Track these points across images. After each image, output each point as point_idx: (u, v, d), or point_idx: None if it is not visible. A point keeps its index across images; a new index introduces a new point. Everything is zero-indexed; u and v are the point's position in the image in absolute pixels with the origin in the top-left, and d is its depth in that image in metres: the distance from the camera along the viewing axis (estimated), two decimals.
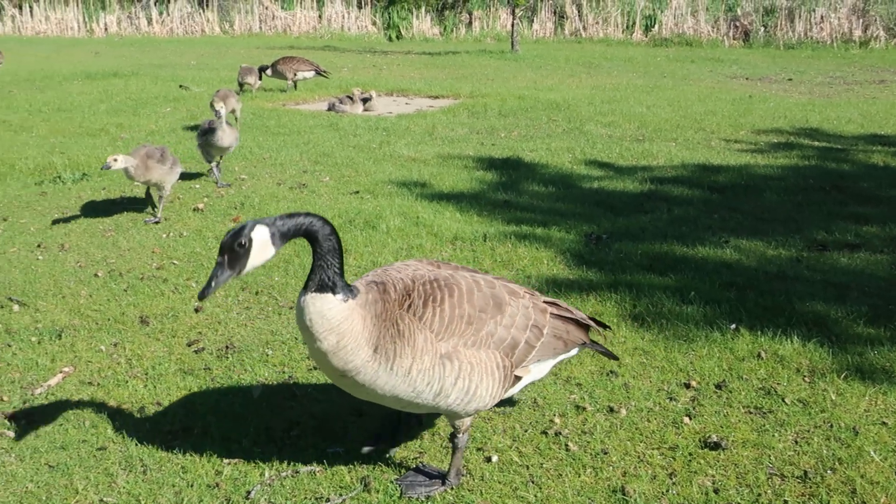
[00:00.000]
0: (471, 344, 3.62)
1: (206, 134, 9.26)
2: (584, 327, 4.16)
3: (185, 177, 9.96)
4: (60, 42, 36.55)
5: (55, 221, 8.19)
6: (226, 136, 9.16)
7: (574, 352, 4.16)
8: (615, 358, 4.55)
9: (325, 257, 3.38)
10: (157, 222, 8.15)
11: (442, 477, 3.92)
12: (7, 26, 42.28)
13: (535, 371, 3.98)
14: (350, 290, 3.46)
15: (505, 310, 3.74)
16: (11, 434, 4.35)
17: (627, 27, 33.30)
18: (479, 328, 3.64)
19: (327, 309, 3.37)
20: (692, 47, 29.79)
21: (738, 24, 30.92)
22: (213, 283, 3.29)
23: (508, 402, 4.66)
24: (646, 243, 7.27)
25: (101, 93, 17.56)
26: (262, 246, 3.31)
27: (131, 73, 21.32)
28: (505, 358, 3.72)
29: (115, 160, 7.54)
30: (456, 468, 3.91)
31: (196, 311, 5.94)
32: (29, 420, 4.50)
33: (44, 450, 4.21)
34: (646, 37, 32.39)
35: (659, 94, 16.98)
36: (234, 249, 3.28)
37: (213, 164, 9.55)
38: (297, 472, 4.06)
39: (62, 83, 19.60)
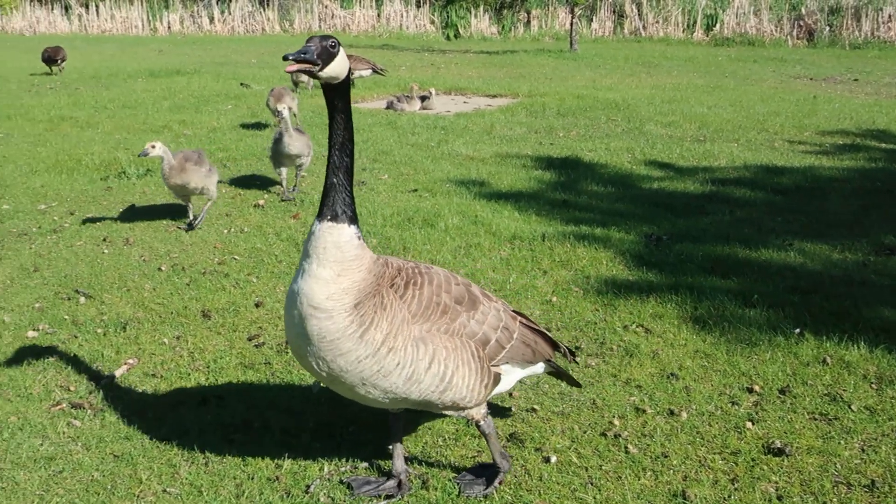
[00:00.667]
0: (444, 331, 3.56)
1: (275, 142, 8.70)
2: (553, 344, 4.11)
3: (246, 174, 10.09)
4: (125, 40, 37.28)
5: (120, 216, 8.35)
6: (294, 141, 8.57)
7: (540, 368, 4.10)
8: (578, 385, 4.45)
9: (338, 169, 3.40)
10: (189, 229, 7.81)
11: (493, 467, 3.91)
12: (74, 25, 43.25)
13: (507, 376, 3.90)
14: (360, 230, 3.46)
15: (478, 307, 3.73)
16: (78, 423, 4.44)
17: (688, 26, 32.91)
18: (454, 318, 3.60)
19: (344, 241, 3.37)
20: (754, 47, 29.33)
21: (802, 23, 30.36)
22: (300, 54, 3.20)
23: (561, 402, 4.63)
24: (707, 245, 7.18)
25: (165, 90, 17.86)
26: (343, 59, 3.29)
27: (194, 71, 21.65)
28: (479, 349, 3.67)
29: (154, 147, 7.49)
30: (498, 452, 3.90)
31: (256, 305, 6.01)
32: (95, 410, 4.59)
33: (109, 439, 4.29)
34: (707, 36, 31.97)
35: (720, 94, 16.74)
36: (325, 45, 3.24)
37: (284, 175, 8.91)
38: (355, 467, 4.08)
39: (127, 80, 19.97)
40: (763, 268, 6.61)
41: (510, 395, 4.72)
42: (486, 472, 3.95)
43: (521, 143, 11.93)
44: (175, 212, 8.42)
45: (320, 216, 3.40)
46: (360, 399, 3.60)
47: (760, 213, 8.24)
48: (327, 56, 3.23)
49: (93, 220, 8.19)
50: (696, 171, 10.05)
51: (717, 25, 32.09)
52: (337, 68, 3.28)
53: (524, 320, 4.01)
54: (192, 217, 7.96)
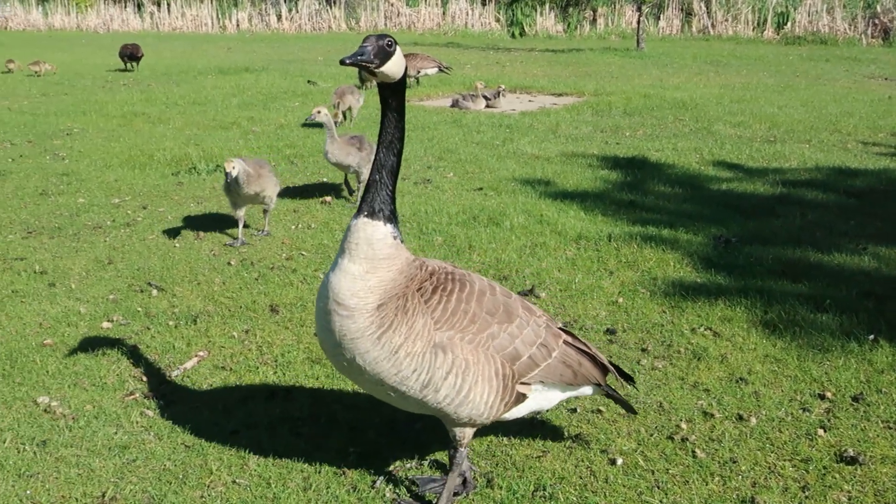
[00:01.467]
0: (468, 341, 3.43)
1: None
2: (602, 369, 3.92)
3: (313, 171, 10.20)
4: (195, 38, 37.96)
5: (190, 210, 8.51)
6: (334, 150, 8.25)
7: (587, 391, 3.93)
8: (634, 412, 4.24)
9: (383, 167, 3.38)
10: (243, 243, 7.44)
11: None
12: (146, 22, 44.20)
13: (540, 397, 3.75)
14: (398, 231, 3.42)
15: (513, 320, 3.58)
16: (150, 413, 4.54)
17: (758, 24, 32.36)
18: (482, 329, 3.47)
19: (377, 239, 3.33)
20: (827, 46, 28.71)
21: (877, 21, 29.62)
22: (357, 56, 3.18)
23: (634, 402, 4.59)
24: (777, 248, 7.05)
25: (234, 87, 18.16)
26: (399, 57, 3.28)
27: (262, 68, 21.97)
28: (506, 366, 3.53)
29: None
30: (448, 492, 3.69)
31: None
32: (166, 401, 4.69)
33: (180, 430, 4.38)
34: (777, 35, 31.39)
35: (791, 94, 16.43)
36: (381, 45, 3.22)
37: (346, 178, 8.88)
38: (420, 464, 4.11)
39: (197, 77, 20.35)
40: (836, 272, 6.47)
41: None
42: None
43: (587, 143, 11.86)
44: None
45: (358, 212, 3.38)
46: (385, 399, 3.55)
47: (833, 215, 8.07)
48: (384, 55, 3.22)
49: (164, 215, 8.37)
50: (766, 173, 9.88)
51: (789, 24, 31.49)
52: (393, 67, 3.27)
53: (572, 340, 3.85)
54: (241, 233, 7.56)
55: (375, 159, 3.41)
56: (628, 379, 4.12)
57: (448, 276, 3.54)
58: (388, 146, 3.39)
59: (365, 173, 8.31)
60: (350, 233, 3.36)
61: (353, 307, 3.29)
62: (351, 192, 8.98)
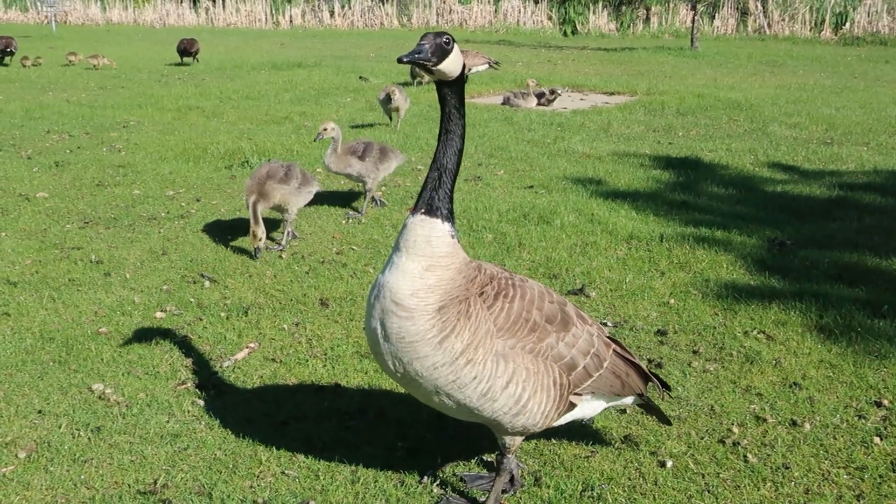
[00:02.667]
0: (529, 351, 3.37)
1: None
2: (645, 378, 3.87)
3: None
4: (248, 33, 38.38)
5: (243, 204, 8.57)
6: (331, 161, 8.01)
7: (629, 400, 3.87)
8: (669, 423, 4.17)
9: (443, 166, 3.31)
10: (281, 250, 7.19)
11: None
12: (201, 18, 44.79)
13: (587, 406, 3.71)
14: (455, 230, 3.33)
15: (570, 329, 3.51)
16: (202, 403, 4.60)
17: (815, 24, 31.83)
18: (542, 338, 3.40)
19: (436, 236, 3.24)
20: (886, 47, 28.13)
21: None
22: (414, 55, 3.15)
23: (678, 406, 4.54)
24: (834, 252, 6.92)
25: (286, 82, 18.32)
26: (457, 55, 3.24)
27: (314, 64, 22.13)
28: (563, 375, 3.47)
29: (326, 129, 7.89)
30: (496, 495, 3.67)
31: None
32: (217, 391, 4.75)
33: (231, 420, 4.42)
34: (835, 35, 30.85)
35: (849, 95, 16.12)
36: (439, 42, 3.17)
37: (370, 192, 8.34)
38: (468, 460, 4.11)
39: (250, 72, 20.57)
40: (894, 278, 6.33)
41: None
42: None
43: (639, 142, 11.76)
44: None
45: (415, 209, 3.30)
46: (436, 406, 3.47)
47: (891, 219, 7.90)
48: (441, 53, 3.16)
49: (217, 207, 8.46)
50: (822, 175, 9.70)
51: (847, 24, 30.93)
52: (451, 65, 3.21)
53: (618, 349, 3.79)
54: (284, 237, 7.39)
55: (435, 157, 3.32)
56: (666, 387, 4.07)
57: (508, 282, 3.46)
58: (446, 143, 3.32)
59: (370, 181, 8.11)
60: (406, 230, 3.27)
61: (413, 308, 3.19)
62: (375, 200, 8.52)
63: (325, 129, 7.86)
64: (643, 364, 3.94)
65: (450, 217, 3.30)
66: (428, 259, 3.22)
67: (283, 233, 7.43)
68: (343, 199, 8.78)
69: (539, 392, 3.40)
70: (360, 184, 8.40)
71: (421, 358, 3.22)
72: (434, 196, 3.29)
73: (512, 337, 3.34)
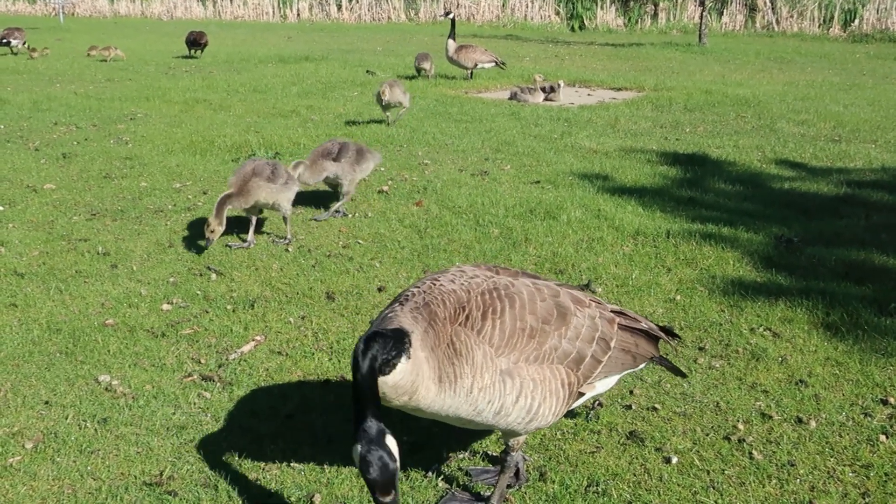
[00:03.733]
0: (533, 359, 3.36)
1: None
2: (654, 339, 3.86)
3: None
4: (256, 26, 38.37)
5: None
6: (304, 174, 7.61)
7: (642, 366, 3.86)
8: (683, 375, 4.22)
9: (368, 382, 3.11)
10: (287, 243, 7.17)
11: (484, 500, 3.72)
12: (209, 10, 44.79)
13: (600, 386, 3.70)
14: (403, 345, 3.18)
15: (570, 321, 3.47)
16: (208, 395, 4.61)
17: (824, 21, 31.72)
18: (543, 342, 3.38)
19: (399, 379, 3.18)
20: None
21: None
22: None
23: (683, 402, 4.54)
24: (841, 249, 6.91)
25: (293, 76, 18.31)
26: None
27: (321, 57, 22.11)
28: (570, 374, 3.46)
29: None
30: (501, 490, 3.68)
31: (379, 290, 6.10)
32: (223, 383, 4.75)
33: (237, 413, 4.43)
34: (844, 32, 30.73)
35: (857, 92, 16.06)
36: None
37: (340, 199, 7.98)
38: (473, 454, 4.11)
39: (257, 66, 20.56)
40: None
41: (630, 392, 4.66)
42: (468, 499, 3.77)
43: (646, 138, 11.74)
44: (304, 198, 8.62)
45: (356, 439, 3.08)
46: (447, 422, 3.52)
47: None
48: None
49: None
50: (830, 172, 9.68)
51: (856, 21, 30.80)
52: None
53: (623, 320, 3.74)
54: (288, 231, 7.29)
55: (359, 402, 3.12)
56: (676, 337, 4.10)
57: (493, 294, 3.40)
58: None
59: (347, 184, 7.77)
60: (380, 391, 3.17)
61: (425, 402, 3.29)
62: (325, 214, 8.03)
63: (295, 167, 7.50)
64: (651, 324, 3.88)
65: (397, 354, 3.15)
66: (405, 394, 3.23)
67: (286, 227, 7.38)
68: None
69: (549, 397, 3.40)
70: (337, 187, 7.96)
71: (445, 408, 3.33)
72: (385, 360, 3.12)
73: (512, 351, 3.33)
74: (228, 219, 6.97)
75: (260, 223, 7.44)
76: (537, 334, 3.38)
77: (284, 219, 7.28)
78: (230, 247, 7.06)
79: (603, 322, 3.60)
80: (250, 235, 7.18)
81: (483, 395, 3.28)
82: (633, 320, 3.79)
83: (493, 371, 3.28)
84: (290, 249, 7.01)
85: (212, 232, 6.76)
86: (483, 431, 4.26)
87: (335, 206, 7.98)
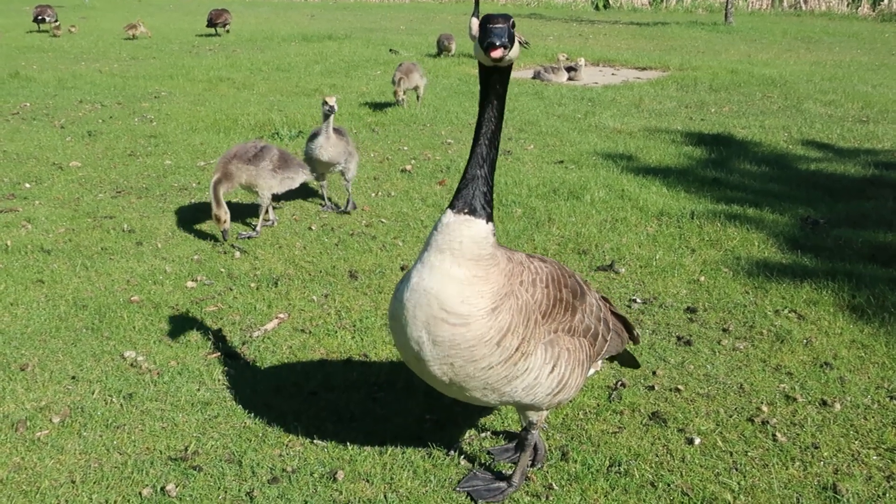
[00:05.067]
0: (567, 330, 3.34)
1: (308, 141, 7.35)
2: (629, 328, 3.91)
3: (394, 139, 10.21)
4: (279, 5, 38.29)
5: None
6: (327, 147, 7.12)
7: (619, 350, 3.85)
8: (637, 366, 4.22)
9: (484, 161, 3.06)
10: (249, 237, 6.84)
11: (506, 479, 3.69)
12: None
13: (592, 369, 3.68)
14: (495, 228, 3.12)
15: (586, 298, 3.50)
16: (232, 372, 4.64)
17: (853, 0, 31.24)
18: (573, 315, 3.37)
19: (482, 237, 3.04)
20: None
21: None
22: (501, 39, 2.80)
23: (707, 383, 4.53)
24: (868, 231, 6.84)
25: (316, 54, 18.29)
26: (515, 40, 2.92)
27: (344, 36, 22.06)
28: (591, 348, 3.48)
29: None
30: (522, 468, 3.67)
31: (402, 269, 6.11)
32: (247, 361, 4.78)
33: (261, 389, 4.46)
34: (873, 11, 30.29)
35: (886, 72, 15.85)
36: (509, 26, 2.85)
37: (324, 185, 7.59)
38: (496, 433, 4.12)
39: (280, 44, 20.55)
40: None
41: (653, 373, 4.65)
42: (491, 478, 3.73)
43: (671, 118, 11.65)
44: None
45: (455, 207, 3.06)
46: (464, 398, 3.36)
47: None
48: (511, 38, 2.86)
49: None
50: (857, 153, 9.57)
51: (886, 0, 30.32)
52: (515, 52, 2.92)
53: (610, 305, 3.84)
54: (258, 223, 6.96)
55: (475, 152, 3.08)
56: (633, 339, 4.02)
57: (536, 266, 3.35)
58: (490, 138, 3.08)
59: (352, 170, 7.41)
60: (448, 231, 3.04)
61: (467, 314, 3.02)
62: (334, 205, 7.66)
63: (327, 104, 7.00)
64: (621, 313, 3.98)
65: (491, 216, 3.11)
66: (475, 263, 3.04)
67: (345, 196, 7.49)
68: (367, 174, 8.76)
69: (577, 368, 3.39)
70: (342, 174, 7.51)
71: (477, 360, 3.09)
72: (477, 195, 3.06)
73: (553, 321, 3.29)
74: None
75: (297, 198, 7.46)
76: (569, 308, 3.37)
77: (259, 206, 6.91)
78: (241, 236, 6.81)
79: (603, 305, 3.70)
80: (271, 213, 7.14)
81: (523, 363, 3.16)
82: (613, 305, 3.89)
83: (539, 340, 3.21)
84: (312, 228, 7.01)
85: (223, 222, 6.56)
86: (504, 409, 4.27)
87: (348, 198, 7.56)
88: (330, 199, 7.70)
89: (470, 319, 3.02)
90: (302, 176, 7.05)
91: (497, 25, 2.82)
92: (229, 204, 6.80)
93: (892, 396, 4.41)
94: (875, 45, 21.00)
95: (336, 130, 7.25)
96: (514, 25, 2.91)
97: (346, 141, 7.33)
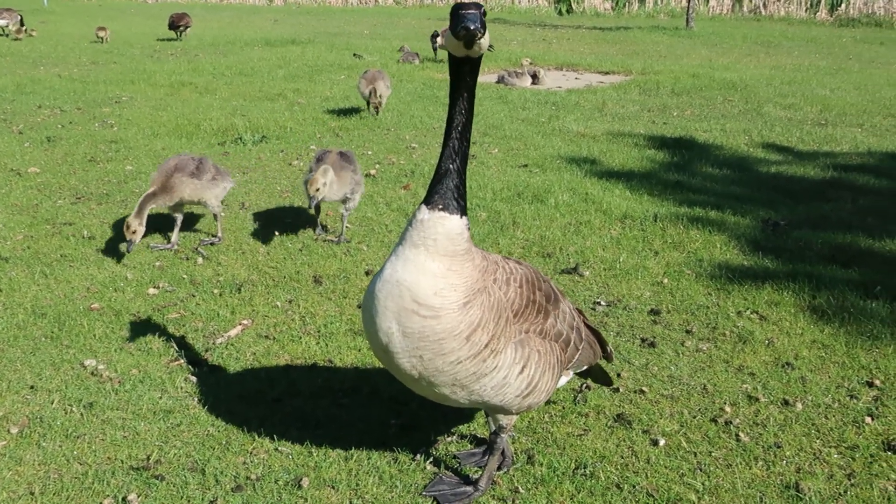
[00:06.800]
0: (538, 332, 3.33)
1: (308, 171, 6.79)
2: (602, 342, 3.93)
3: (358, 143, 10.19)
4: (242, 9, 38.10)
5: (236, 180, 8.54)
6: (333, 186, 6.51)
7: (584, 367, 3.86)
8: (610, 383, 4.23)
9: (457, 155, 3.06)
10: (214, 243, 6.70)
11: (472, 483, 3.68)
12: None
13: (564, 379, 3.70)
14: (468, 222, 3.13)
15: (560, 305, 3.51)
16: (195, 379, 4.59)
17: (811, 5, 31.73)
18: (546, 318, 3.37)
19: (456, 233, 3.04)
20: (882, 28, 28.07)
21: None
22: (470, 24, 2.75)
23: (671, 385, 4.55)
24: (827, 233, 6.93)
25: (280, 59, 18.20)
26: (488, 35, 2.89)
27: (308, 40, 21.99)
28: (563, 354, 3.46)
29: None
30: (490, 472, 3.66)
31: (367, 273, 6.09)
32: (210, 367, 4.73)
33: (224, 397, 4.41)
34: (831, 16, 30.76)
35: (844, 76, 16.10)
36: (481, 13, 2.79)
37: (313, 209, 6.99)
38: (462, 437, 4.11)
39: (243, 49, 20.43)
40: (887, 259, 6.35)
41: (618, 375, 4.66)
42: (456, 482, 3.72)
43: (634, 122, 11.73)
44: (290, 178, 8.58)
45: (430, 203, 3.05)
46: (437, 399, 3.36)
47: (885, 201, 7.91)
48: (483, 24, 2.81)
49: None
50: (816, 156, 9.70)
51: (843, 5, 30.82)
52: (487, 38, 2.89)
53: (584, 318, 3.86)
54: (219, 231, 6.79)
55: (447, 146, 3.08)
56: (607, 356, 4.07)
57: (510, 267, 3.35)
58: (462, 131, 3.07)
59: (355, 201, 6.79)
60: (423, 226, 3.04)
61: (439, 307, 3.01)
62: (324, 229, 7.08)
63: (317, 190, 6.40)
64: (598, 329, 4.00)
65: (465, 211, 3.10)
66: (450, 257, 3.04)
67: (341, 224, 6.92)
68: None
69: (547, 372, 3.38)
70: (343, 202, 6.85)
71: (446, 354, 3.08)
72: (450, 190, 3.06)
73: (525, 321, 3.29)
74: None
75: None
76: (542, 310, 3.38)
77: (215, 216, 6.76)
78: (153, 248, 6.58)
79: (577, 315, 3.71)
80: (175, 236, 6.67)
81: (492, 360, 3.15)
82: (586, 318, 3.89)
83: (509, 337, 3.20)
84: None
85: (133, 233, 6.17)
86: (471, 413, 4.26)
87: (342, 230, 6.91)
88: (323, 227, 7.08)
89: (441, 312, 3.02)
90: (230, 183, 6.87)
91: (470, 11, 2.80)
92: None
93: (853, 395, 4.46)
94: (833, 50, 21.31)
95: (341, 155, 6.76)
96: (485, 14, 2.86)
97: (351, 170, 6.70)
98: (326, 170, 6.44)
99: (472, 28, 2.75)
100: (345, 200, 6.75)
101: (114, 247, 6.59)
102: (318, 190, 6.33)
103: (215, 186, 6.64)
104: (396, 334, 3.10)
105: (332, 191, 6.51)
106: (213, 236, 6.87)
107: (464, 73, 3.01)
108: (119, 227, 7.02)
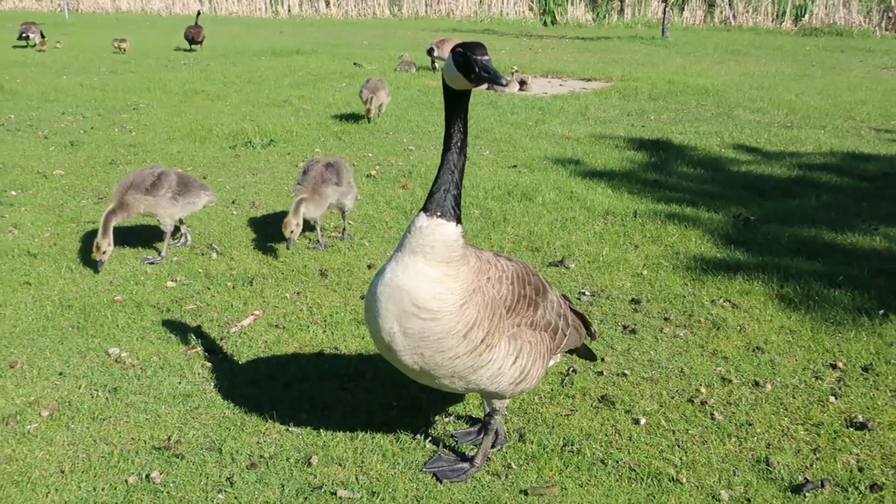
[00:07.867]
0: (529, 325, 3.36)
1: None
2: (586, 325, 3.93)
3: (359, 146, 10.18)
4: (249, 22, 37.96)
5: (246, 181, 8.55)
6: (310, 209, 6.27)
7: (575, 346, 3.87)
8: (594, 358, 4.20)
9: (455, 168, 3.07)
10: (158, 261, 6.23)
11: (468, 460, 3.70)
12: (205, 6, 44.21)
13: (552, 361, 3.70)
14: (463, 229, 3.15)
15: (548, 295, 3.53)
16: (211, 366, 4.60)
17: (777, 16, 31.70)
18: (536, 310, 3.39)
19: (452, 240, 3.05)
20: (842, 37, 28.05)
21: (890, 14, 28.90)
22: (495, 76, 2.85)
23: (651, 368, 4.58)
24: (794, 227, 6.95)
25: (285, 68, 18.14)
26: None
27: (311, 50, 21.91)
28: (552, 342, 3.50)
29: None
30: (484, 450, 3.68)
31: (368, 267, 6.10)
32: (225, 355, 4.74)
33: (238, 382, 4.43)
34: (795, 26, 30.74)
35: (808, 82, 16.11)
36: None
37: (318, 221, 6.56)
38: (459, 418, 4.13)
39: (251, 58, 20.35)
40: (849, 251, 6.38)
41: (602, 359, 4.68)
42: (454, 459, 3.74)
43: (615, 125, 11.74)
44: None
45: (428, 211, 3.07)
46: (433, 385, 3.36)
47: (846, 197, 7.94)
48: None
49: (223, 184, 8.41)
50: (783, 156, 9.73)
51: (807, 16, 30.81)
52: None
53: (570, 303, 3.87)
54: (164, 248, 6.35)
55: (446, 159, 3.09)
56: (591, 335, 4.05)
57: (501, 264, 3.35)
58: (460, 147, 3.09)
59: (349, 204, 6.62)
60: (421, 234, 3.05)
61: (437, 310, 3.03)
62: (323, 238, 6.64)
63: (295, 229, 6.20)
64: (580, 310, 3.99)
65: (460, 218, 3.12)
66: (446, 263, 3.05)
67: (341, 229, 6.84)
68: None
69: (538, 360, 3.41)
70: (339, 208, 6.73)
71: (444, 351, 3.10)
72: (448, 199, 3.07)
73: (517, 315, 3.31)
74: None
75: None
76: (533, 303, 3.40)
77: (163, 234, 6.33)
78: (146, 261, 6.23)
79: (563, 302, 3.72)
80: (164, 251, 6.31)
81: (488, 354, 3.18)
82: (570, 302, 3.89)
83: (503, 332, 3.23)
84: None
85: (103, 253, 5.86)
86: (467, 396, 4.28)
87: (344, 227, 6.86)
88: (321, 235, 6.66)
89: (439, 314, 3.05)
90: (204, 198, 6.41)
91: (487, 58, 2.84)
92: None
93: (818, 377, 4.49)
94: (798, 58, 21.33)
95: (328, 167, 6.42)
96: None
97: (334, 183, 6.38)
98: (298, 209, 6.14)
99: (504, 84, 2.86)
100: (340, 206, 6.61)
101: (133, 243, 6.59)
102: (292, 232, 6.13)
103: (171, 204, 6.13)
104: (398, 334, 3.12)
105: (313, 212, 6.27)
106: (157, 255, 6.32)
107: (463, 101, 3.05)
108: (138, 225, 7.02)
